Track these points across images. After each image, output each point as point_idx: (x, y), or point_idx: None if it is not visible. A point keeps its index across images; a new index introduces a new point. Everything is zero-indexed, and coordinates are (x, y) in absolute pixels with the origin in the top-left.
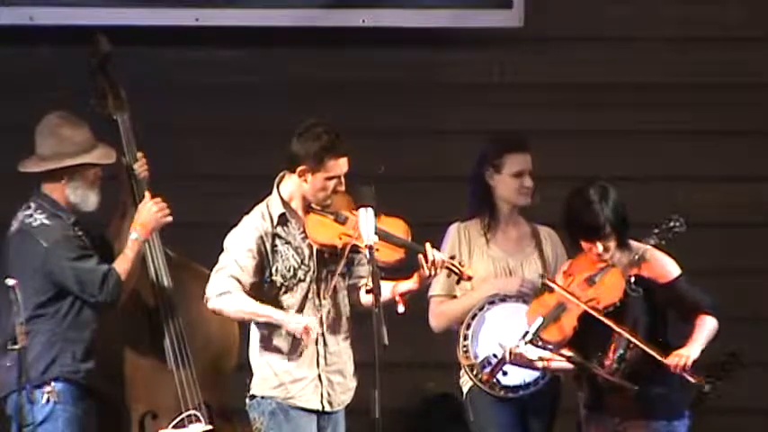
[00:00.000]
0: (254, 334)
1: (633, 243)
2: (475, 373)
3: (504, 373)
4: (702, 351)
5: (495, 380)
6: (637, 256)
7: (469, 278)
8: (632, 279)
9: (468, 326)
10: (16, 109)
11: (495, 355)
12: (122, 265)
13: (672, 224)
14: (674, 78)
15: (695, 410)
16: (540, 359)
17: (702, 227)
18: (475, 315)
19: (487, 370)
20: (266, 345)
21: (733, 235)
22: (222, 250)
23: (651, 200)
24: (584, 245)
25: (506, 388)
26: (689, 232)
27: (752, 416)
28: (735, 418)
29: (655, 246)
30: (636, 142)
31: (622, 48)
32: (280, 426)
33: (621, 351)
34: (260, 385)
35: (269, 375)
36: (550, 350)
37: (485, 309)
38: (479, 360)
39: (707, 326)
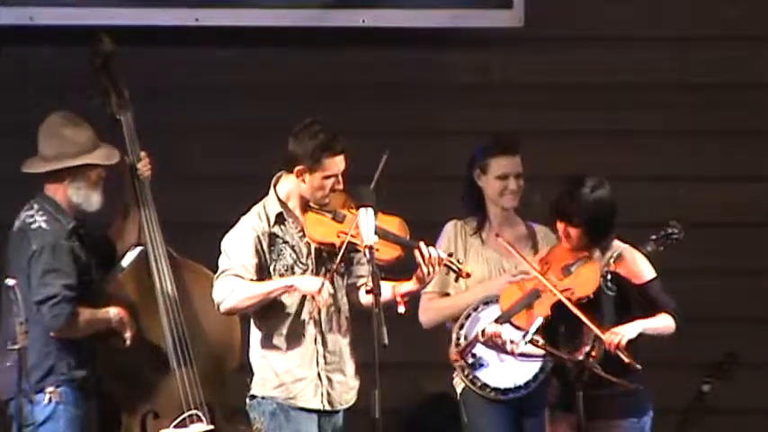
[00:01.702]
0: (254, 334)
1: (613, 242)
2: (466, 373)
3: (481, 365)
4: (650, 337)
5: (475, 375)
6: (615, 254)
7: (468, 275)
8: (609, 276)
9: (462, 326)
10: (16, 109)
11: (465, 337)
12: (86, 315)
13: (670, 231)
14: (674, 78)
15: (695, 410)
16: (512, 342)
17: (702, 227)
18: (469, 315)
19: (456, 349)
20: (266, 345)
21: (733, 235)
22: (221, 251)
23: (651, 200)
24: (558, 224)
25: (496, 390)
26: (689, 232)
27: (752, 416)
28: (735, 418)
29: (652, 252)
30: (636, 142)
31: (622, 48)
32: (280, 426)
33: (587, 349)
34: (261, 385)
35: (270, 376)
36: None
37: (479, 309)
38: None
39: (660, 319)
